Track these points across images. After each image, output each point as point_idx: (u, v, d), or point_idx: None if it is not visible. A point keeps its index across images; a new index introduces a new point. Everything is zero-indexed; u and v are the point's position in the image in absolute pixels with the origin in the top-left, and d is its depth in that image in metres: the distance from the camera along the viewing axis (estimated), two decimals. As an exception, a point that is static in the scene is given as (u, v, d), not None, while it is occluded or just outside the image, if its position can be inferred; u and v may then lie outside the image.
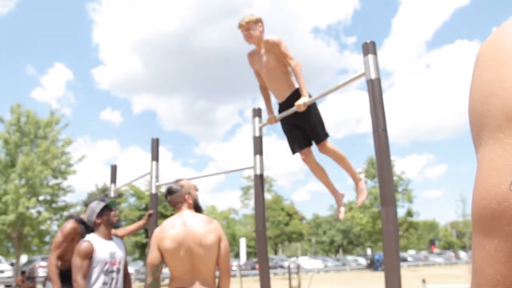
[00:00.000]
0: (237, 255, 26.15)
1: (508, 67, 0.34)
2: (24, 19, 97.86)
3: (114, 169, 5.50)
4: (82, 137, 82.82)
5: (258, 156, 3.71)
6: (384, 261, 2.51)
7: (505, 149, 0.33)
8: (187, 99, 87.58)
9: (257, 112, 3.84)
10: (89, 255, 2.94)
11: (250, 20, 3.24)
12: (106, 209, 3.15)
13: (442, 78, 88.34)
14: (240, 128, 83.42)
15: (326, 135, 3.32)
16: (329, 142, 3.32)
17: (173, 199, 2.55)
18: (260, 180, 3.67)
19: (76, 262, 2.90)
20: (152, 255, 2.40)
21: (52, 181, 16.93)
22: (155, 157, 4.69)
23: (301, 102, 3.12)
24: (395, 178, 27.91)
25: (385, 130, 2.62)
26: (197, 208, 2.58)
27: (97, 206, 3.14)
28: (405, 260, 36.92)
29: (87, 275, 2.93)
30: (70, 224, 3.44)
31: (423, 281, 9.70)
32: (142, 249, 22.90)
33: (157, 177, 4.63)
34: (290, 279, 13.00)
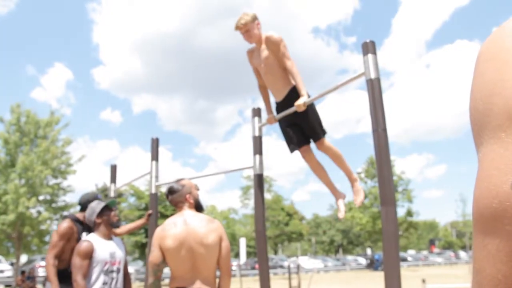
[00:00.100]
0: (237, 255, 26.17)
1: (509, 66, 0.34)
2: (24, 19, 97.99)
3: (114, 169, 5.51)
4: (82, 137, 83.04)
5: (257, 156, 3.71)
6: (384, 261, 2.51)
7: (506, 148, 0.33)
8: (187, 99, 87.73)
9: (256, 112, 3.84)
10: (89, 255, 2.94)
11: (247, 21, 3.25)
12: (106, 209, 3.15)
13: (442, 78, 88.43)
14: (240, 128, 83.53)
15: (324, 132, 3.33)
16: (327, 140, 3.33)
17: (174, 198, 2.55)
18: (259, 180, 3.67)
19: (76, 262, 2.89)
20: (154, 254, 2.40)
21: (52, 181, 16.91)
22: (155, 157, 4.69)
23: (301, 102, 3.12)
24: (395, 178, 27.90)
25: (385, 130, 2.62)
26: (198, 208, 2.58)
27: (97, 206, 3.14)
28: (405, 260, 36.97)
29: (87, 275, 2.93)
30: (65, 224, 3.44)
31: (423, 281, 9.70)
32: (142, 249, 22.86)
33: (157, 177, 4.64)
34: (290, 279, 12.99)
